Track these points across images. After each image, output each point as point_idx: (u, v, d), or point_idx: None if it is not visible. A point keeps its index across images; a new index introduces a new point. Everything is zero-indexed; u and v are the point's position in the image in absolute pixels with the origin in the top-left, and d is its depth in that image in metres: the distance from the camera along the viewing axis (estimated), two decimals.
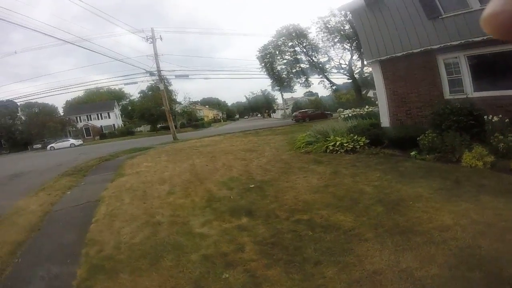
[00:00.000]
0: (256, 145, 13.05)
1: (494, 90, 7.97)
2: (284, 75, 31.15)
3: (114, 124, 56.04)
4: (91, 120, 54.41)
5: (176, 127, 47.24)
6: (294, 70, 30.35)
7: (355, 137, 9.10)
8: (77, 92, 73.21)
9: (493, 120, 6.86)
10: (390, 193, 4.83)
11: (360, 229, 3.69)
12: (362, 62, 25.84)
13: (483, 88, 8.26)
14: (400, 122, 10.13)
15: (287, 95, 50.35)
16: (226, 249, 3.68)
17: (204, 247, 3.81)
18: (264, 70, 31.45)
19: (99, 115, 55.40)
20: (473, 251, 2.91)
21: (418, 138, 7.69)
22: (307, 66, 29.02)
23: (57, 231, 5.32)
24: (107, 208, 6.09)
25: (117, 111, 61.40)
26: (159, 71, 23.08)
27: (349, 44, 25.24)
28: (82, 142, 39.95)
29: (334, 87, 32.61)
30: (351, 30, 23.13)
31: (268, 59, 30.38)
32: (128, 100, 71.92)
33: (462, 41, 8.12)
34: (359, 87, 27.49)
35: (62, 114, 55.68)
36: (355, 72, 27.90)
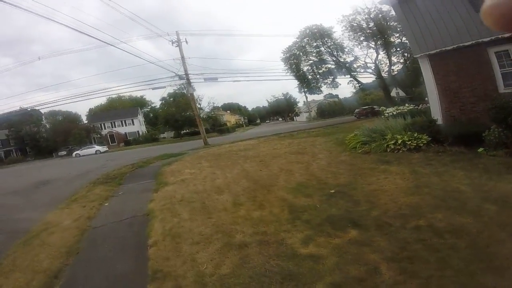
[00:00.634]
0: (301, 148, 13.04)
1: None
2: (310, 76, 31.22)
3: (138, 131, 57.47)
4: (115, 127, 56.08)
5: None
6: (320, 71, 30.36)
7: (416, 135, 9.17)
8: (100, 100, 76.27)
9: None
10: (490, 191, 4.77)
11: (489, 230, 3.57)
12: (390, 60, 25.75)
13: None
14: (453, 118, 10.05)
15: (308, 98, 50.43)
16: (357, 273, 3.07)
17: (327, 273, 3.14)
18: (289, 71, 31.59)
19: (123, 122, 57.06)
20: None
21: (483, 134, 7.75)
22: (333, 66, 29.09)
23: (104, 256, 4.40)
24: (164, 226, 5.29)
25: (140, 117, 63.00)
26: (187, 74, 23.43)
27: (373, 43, 25.19)
28: (107, 149, 41.05)
29: (361, 87, 32.36)
30: (375, 28, 23.13)
31: (293, 61, 30.45)
32: (149, 107, 73.57)
33: None
34: (386, 86, 27.33)
35: (85, 122, 57.49)
36: (383, 71, 27.77)
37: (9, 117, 43.05)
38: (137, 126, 58.58)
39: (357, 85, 31.56)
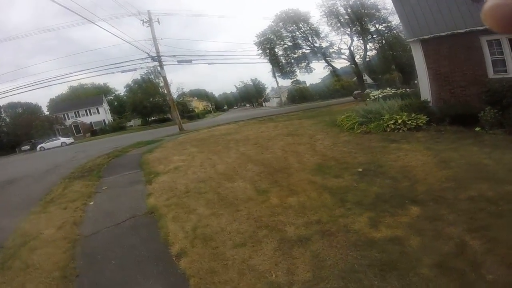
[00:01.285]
0: (292, 130, 13.05)
1: None
2: (284, 61, 31.26)
3: (104, 120, 54.02)
4: (79, 116, 52.19)
5: (172, 119, 46.50)
6: (295, 55, 30.49)
7: (413, 115, 9.58)
8: (61, 89, 70.90)
9: None
10: (510, 163, 5.17)
11: None
12: (365, 47, 26.57)
13: None
14: (443, 101, 10.65)
15: (275, 84, 50.78)
16: (449, 248, 3.01)
17: (421, 254, 2.97)
18: (263, 56, 31.33)
19: (87, 111, 53.10)
20: None
21: (479, 115, 8.34)
22: (309, 51, 29.36)
23: (117, 279, 3.34)
24: (182, 226, 4.39)
25: (106, 105, 59.19)
26: (159, 56, 22.21)
27: (349, 29, 25.79)
28: (73, 140, 38.18)
29: (335, 72, 33.10)
30: (353, 15, 23.65)
31: (267, 45, 30.23)
32: (114, 94, 69.77)
33: None
34: (360, 72, 28.25)
35: (47, 113, 53.23)
36: (357, 58, 28.59)
37: None
38: (103, 114, 54.99)
39: (331, 70, 32.13)
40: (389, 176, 5.37)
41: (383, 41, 25.19)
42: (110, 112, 62.24)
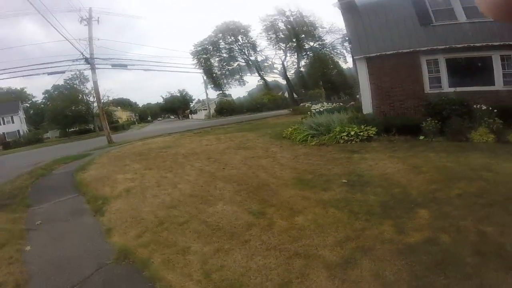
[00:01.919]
0: (239, 143, 12.59)
1: (465, 86, 10.13)
2: (219, 72, 30.98)
3: (18, 131, 45.38)
4: None
5: (95, 129, 41.92)
6: (230, 67, 30.51)
7: (363, 127, 10.11)
8: None
9: (482, 108, 8.79)
10: (469, 164, 6.03)
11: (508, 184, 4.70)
12: (299, 64, 28.03)
13: (456, 84, 10.34)
14: (383, 113, 11.62)
15: (202, 96, 50.26)
16: (479, 238, 3.33)
17: (462, 249, 3.18)
18: (198, 66, 30.62)
19: (0, 119, 44.22)
20: None
21: (422, 125, 9.21)
22: (244, 63, 29.73)
23: None
24: (188, 274, 3.29)
25: (21, 114, 49.79)
26: (93, 58, 19.74)
27: (284, 45, 26.99)
28: None
29: (268, 86, 34.04)
30: (293, 31, 24.85)
31: (203, 55, 29.68)
32: (30, 101, 60.15)
33: (447, 46, 10.03)
34: (292, 86, 29.59)
35: None
36: (289, 73, 29.92)
37: None
38: (18, 124, 46.10)
39: (264, 83, 33.03)
40: (376, 184, 5.44)
41: (316, 58, 26.90)
42: (26, 122, 53.59)
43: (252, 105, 46.23)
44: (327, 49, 27.37)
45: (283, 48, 27.72)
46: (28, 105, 61.51)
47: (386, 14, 11.33)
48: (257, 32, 33.32)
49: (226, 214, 4.92)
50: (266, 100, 42.92)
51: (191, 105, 76.57)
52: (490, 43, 9.34)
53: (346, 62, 28.86)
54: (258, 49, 28.94)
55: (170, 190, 6.68)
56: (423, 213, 4.10)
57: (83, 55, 19.17)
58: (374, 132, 9.80)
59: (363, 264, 3.11)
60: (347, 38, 25.46)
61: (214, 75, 31.13)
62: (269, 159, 8.89)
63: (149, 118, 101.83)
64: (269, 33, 27.20)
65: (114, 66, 22.27)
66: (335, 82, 33.42)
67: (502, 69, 9.53)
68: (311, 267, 3.13)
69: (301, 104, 23.03)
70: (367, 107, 12.05)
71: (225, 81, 32.25)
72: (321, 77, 29.62)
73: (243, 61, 29.94)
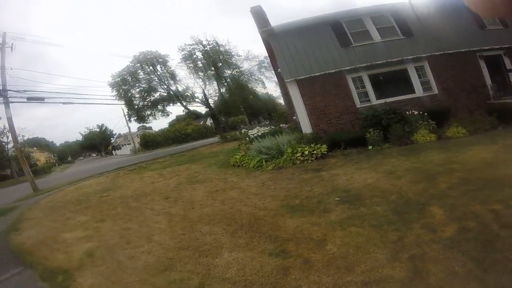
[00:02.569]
0: (189, 176, 11.62)
1: (391, 97, 11.67)
2: (140, 104, 29.40)
3: None
4: None
5: (12, 175, 34.83)
6: (151, 98, 29.26)
7: (313, 145, 10.56)
8: None
9: (414, 113, 10.18)
10: (431, 162, 6.96)
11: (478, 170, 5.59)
12: (220, 91, 28.34)
13: (382, 96, 11.82)
14: (323, 131, 12.47)
15: (123, 131, 46.86)
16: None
17: (496, 223, 3.76)
18: (117, 98, 28.66)
19: None
20: None
21: (366, 136, 10.15)
22: (165, 94, 28.73)
23: None
24: None
25: None
26: (5, 90, 16.24)
27: (202, 73, 27.17)
28: None
29: (193, 116, 33.41)
30: (211, 60, 25.27)
31: (123, 86, 27.97)
32: None
33: (368, 64, 11.46)
34: (215, 115, 29.68)
35: None
36: (211, 101, 30.00)
37: None
38: None
39: (187, 112, 32.43)
40: (370, 196, 5.63)
41: (236, 85, 27.67)
42: None
43: (177, 137, 44.85)
44: (246, 76, 28.53)
45: (202, 77, 27.94)
46: None
47: (309, 38, 12.46)
48: (176, 62, 32.77)
49: (244, 263, 4.12)
50: (190, 130, 42.18)
51: (112, 141, 70.98)
52: (404, 57, 11.05)
53: (265, 88, 30.32)
54: (177, 79, 28.56)
55: (147, 246, 5.32)
56: (435, 210, 4.47)
57: None
58: (325, 149, 10.34)
59: (431, 269, 3.16)
60: (263, 64, 27.25)
61: (136, 106, 29.31)
62: (235, 190, 8.33)
63: (69, 158, 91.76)
64: (187, 62, 27.28)
65: (30, 99, 18.87)
66: (256, 107, 34.84)
67: (419, 78, 11.32)
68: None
69: (243, 130, 23.41)
70: (306, 126, 12.71)
71: (148, 112, 30.69)
72: (242, 103, 30.53)
73: (164, 91, 29.10)
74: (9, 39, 17.73)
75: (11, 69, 22.20)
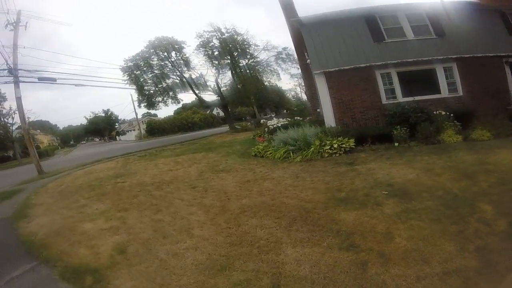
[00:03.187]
0: (211, 165, 11.70)
1: (417, 96, 11.98)
2: (152, 90, 29.48)
3: None
4: None
5: (15, 157, 35.19)
6: (164, 85, 29.32)
7: (341, 139, 10.83)
8: None
9: (442, 113, 10.52)
10: (464, 162, 7.32)
11: None
12: (234, 78, 28.42)
13: (407, 94, 12.14)
14: (346, 125, 12.78)
15: (128, 116, 47.04)
16: None
17: None
18: (129, 83, 28.61)
19: None
20: None
21: (392, 133, 10.48)
22: (178, 81, 28.81)
23: None
24: None
25: None
26: (16, 70, 16.28)
27: (217, 62, 27.22)
28: None
29: (204, 104, 33.57)
30: (227, 48, 25.32)
31: (134, 72, 27.92)
32: None
33: (399, 61, 11.73)
34: (226, 104, 29.86)
35: None
36: (225, 90, 30.10)
37: None
38: None
39: (197, 100, 32.55)
40: (416, 191, 5.93)
41: (251, 75, 27.77)
42: None
43: (183, 125, 44.92)
44: (261, 67, 28.62)
45: (216, 65, 28.00)
46: None
47: (342, 31, 12.68)
48: (192, 49, 32.69)
49: (315, 259, 3.96)
50: (197, 119, 42.46)
51: (117, 126, 71.39)
52: (435, 57, 11.34)
53: (280, 79, 30.27)
54: (191, 66, 28.59)
55: (190, 242, 4.90)
56: (484, 206, 4.80)
57: (7, 63, 15.85)
58: (352, 144, 10.65)
59: (497, 258, 3.54)
60: (281, 56, 27.37)
61: (147, 92, 29.37)
62: (269, 181, 8.21)
63: (72, 142, 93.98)
64: (205, 49, 27.29)
65: (42, 79, 19.05)
66: (265, 99, 34.95)
67: (446, 79, 11.64)
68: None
69: (262, 120, 23.80)
70: (330, 120, 13.02)
71: (159, 98, 30.65)
72: (255, 94, 30.63)
73: (177, 78, 29.16)
74: (24, 17, 17.87)
75: (24, 48, 22.22)
